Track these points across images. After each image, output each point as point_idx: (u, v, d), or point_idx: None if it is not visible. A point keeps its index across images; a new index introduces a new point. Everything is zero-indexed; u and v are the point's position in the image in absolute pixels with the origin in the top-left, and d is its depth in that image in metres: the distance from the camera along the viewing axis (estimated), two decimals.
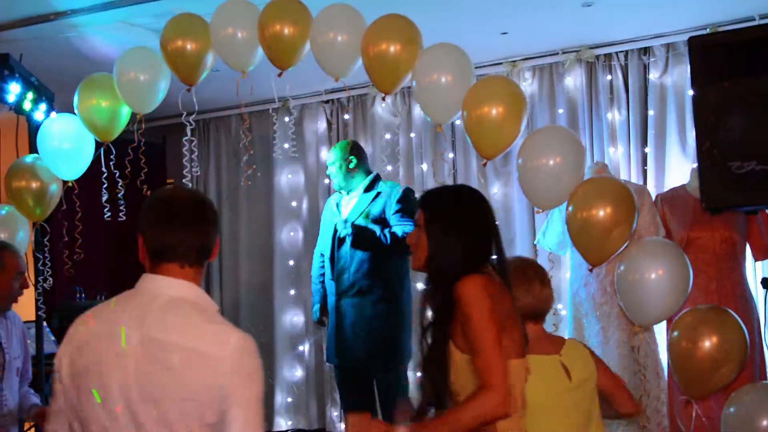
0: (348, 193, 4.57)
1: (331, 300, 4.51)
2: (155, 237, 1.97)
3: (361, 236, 4.32)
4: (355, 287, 4.39)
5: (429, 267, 2.34)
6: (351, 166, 4.49)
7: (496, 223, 2.47)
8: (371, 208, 4.43)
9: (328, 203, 4.81)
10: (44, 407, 3.47)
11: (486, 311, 2.15)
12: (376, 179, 4.57)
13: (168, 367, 1.84)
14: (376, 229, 4.34)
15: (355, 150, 4.59)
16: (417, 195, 4.60)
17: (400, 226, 4.33)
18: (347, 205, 4.54)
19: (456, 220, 2.35)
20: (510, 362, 2.17)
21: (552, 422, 2.59)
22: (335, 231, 4.48)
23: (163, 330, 1.87)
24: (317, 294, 4.74)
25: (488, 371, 2.11)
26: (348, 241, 4.37)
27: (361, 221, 4.41)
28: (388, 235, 4.29)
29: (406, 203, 4.42)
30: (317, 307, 4.72)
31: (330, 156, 4.62)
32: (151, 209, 2.01)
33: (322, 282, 4.69)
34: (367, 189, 4.50)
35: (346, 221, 4.39)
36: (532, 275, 2.75)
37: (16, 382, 3.54)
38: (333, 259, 4.47)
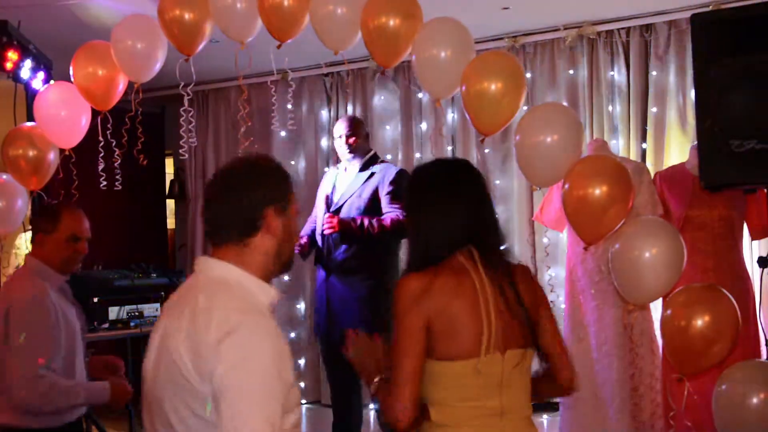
0: (345, 170, 4.50)
1: (321, 275, 4.45)
2: (204, 215, 1.95)
3: (348, 233, 4.26)
4: (344, 265, 4.34)
5: None
6: (352, 141, 4.41)
7: (479, 198, 2.19)
8: (363, 189, 4.36)
9: (325, 177, 4.74)
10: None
11: (399, 318, 2.09)
12: (373, 159, 4.50)
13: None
14: (364, 220, 4.27)
15: (358, 126, 4.51)
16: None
17: (389, 214, 4.25)
18: (342, 183, 4.47)
19: (407, 209, 2.28)
20: (442, 363, 2.05)
21: None
22: (328, 207, 4.42)
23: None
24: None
25: (392, 378, 2.08)
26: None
27: (354, 201, 4.35)
28: (375, 225, 4.22)
29: (397, 187, 4.29)
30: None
31: (337, 128, 4.51)
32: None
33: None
34: (362, 169, 4.43)
35: (332, 213, 4.31)
36: None
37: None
38: (324, 235, 4.39)
